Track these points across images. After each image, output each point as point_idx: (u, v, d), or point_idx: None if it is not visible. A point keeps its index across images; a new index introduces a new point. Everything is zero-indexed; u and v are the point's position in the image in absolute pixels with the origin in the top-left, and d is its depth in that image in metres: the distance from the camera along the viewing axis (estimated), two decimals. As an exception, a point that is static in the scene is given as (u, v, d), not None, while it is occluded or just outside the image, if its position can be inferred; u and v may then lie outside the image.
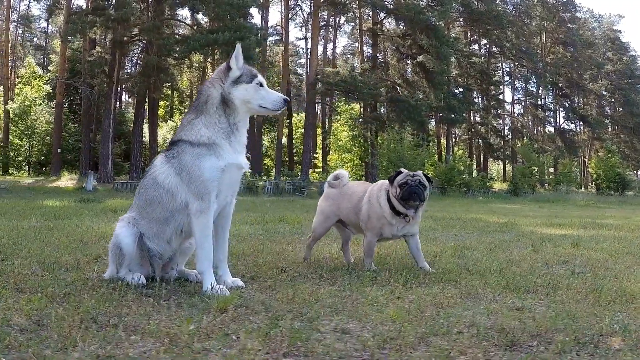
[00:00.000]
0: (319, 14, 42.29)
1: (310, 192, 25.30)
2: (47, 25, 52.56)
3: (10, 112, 37.65)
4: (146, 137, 35.15)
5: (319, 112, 51.42)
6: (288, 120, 46.32)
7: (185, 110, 30.69)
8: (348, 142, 42.83)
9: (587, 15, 64.34)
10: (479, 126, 50.14)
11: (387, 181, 4.57)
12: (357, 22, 43.88)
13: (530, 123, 59.01)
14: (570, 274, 4.56)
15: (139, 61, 42.06)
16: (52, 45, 47.37)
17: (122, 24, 26.28)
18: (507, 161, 53.73)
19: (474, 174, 41.60)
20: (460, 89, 45.07)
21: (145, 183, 3.70)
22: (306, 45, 53.35)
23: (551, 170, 46.08)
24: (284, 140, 45.28)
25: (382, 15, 40.64)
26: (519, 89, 60.96)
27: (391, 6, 37.15)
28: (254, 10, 38.52)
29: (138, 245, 3.57)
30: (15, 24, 50.41)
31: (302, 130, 42.22)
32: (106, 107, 28.41)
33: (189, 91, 52.93)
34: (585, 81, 55.53)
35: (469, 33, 50.72)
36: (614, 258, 5.66)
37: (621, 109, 60.18)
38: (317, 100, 41.79)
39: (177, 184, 3.50)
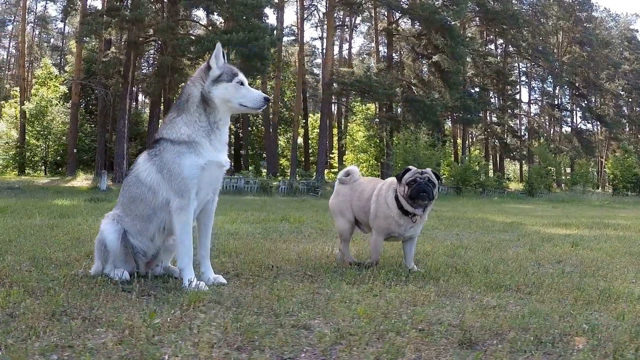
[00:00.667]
0: (334, 14, 42.25)
1: (325, 192, 25.27)
2: (64, 26, 53.19)
3: (27, 112, 38.08)
4: (161, 137, 35.23)
5: (334, 112, 51.40)
6: (304, 121, 46.37)
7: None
8: (364, 142, 42.89)
9: (603, 14, 63.81)
10: (495, 126, 49.74)
11: (395, 179, 4.44)
12: (373, 22, 43.83)
13: (546, 123, 58.49)
14: (559, 273, 4.52)
15: (154, 61, 42.35)
16: (69, 45, 47.84)
17: (136, 25, 26.44)
18: (523, 161, 53.23)
19: (490, 174, 41.36)
20: (476, 89, 44.93)
21: (128, 181, 3.75)
22: (322, 45, 53.38)
23: (568, 170, 45.58)
24: (300, 140, 45.30)
25: (397, 15, 40.59)
26: (536, 88, 60.59)
27: (406, 6, 37.05)
28: (269, 11, 38.83)
29: (122, 242, 3.63)
30: (32, 25, 51.16)
31: (318, 130, 42.25)
32: (121, 108, 28.62)
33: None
34: (602, 81, 54.78)
35: (484, 33, 50.38)
36: (611, 258, 5.61)
37: (638, 109, 59.42)
38: (332, 101, 41.82)
39: (159, 181, 3.55)
